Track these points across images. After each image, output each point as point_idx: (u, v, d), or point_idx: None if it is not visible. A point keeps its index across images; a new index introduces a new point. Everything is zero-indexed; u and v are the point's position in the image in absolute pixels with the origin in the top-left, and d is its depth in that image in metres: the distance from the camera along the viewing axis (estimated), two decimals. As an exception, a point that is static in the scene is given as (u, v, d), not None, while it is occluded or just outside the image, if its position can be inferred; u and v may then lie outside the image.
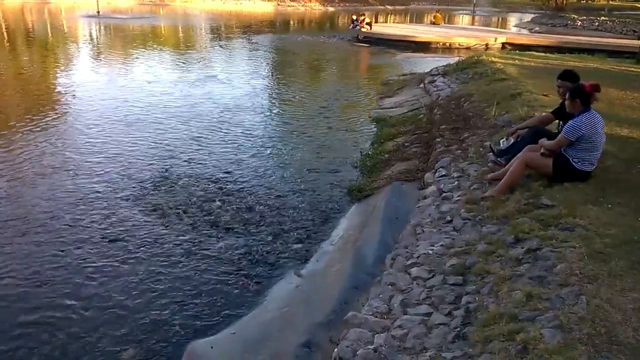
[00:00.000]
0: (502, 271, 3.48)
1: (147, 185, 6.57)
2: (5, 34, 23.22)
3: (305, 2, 53.69)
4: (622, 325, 2.68)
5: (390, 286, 3.87)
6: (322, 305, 4.20)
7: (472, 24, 40.98)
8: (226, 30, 28.84)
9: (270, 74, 15.87)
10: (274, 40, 24.41)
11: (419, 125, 8.75)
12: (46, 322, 4.02)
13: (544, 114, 5.90)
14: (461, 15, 51.40)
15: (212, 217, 5.79)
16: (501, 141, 5.67)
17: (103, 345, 3.80)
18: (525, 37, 24.96)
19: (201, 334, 3.95)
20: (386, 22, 39.01)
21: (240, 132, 9.07)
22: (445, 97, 9.89)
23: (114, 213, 5.81)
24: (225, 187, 6.61)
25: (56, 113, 9.94)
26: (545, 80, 8.81)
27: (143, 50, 19.23)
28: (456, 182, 5.56)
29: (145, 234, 5.39)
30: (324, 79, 15.71)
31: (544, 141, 4.86)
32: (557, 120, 5.44)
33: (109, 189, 6.45)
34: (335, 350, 3.26)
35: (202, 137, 8.69)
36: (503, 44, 22.34)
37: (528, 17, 49.32)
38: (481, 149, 6.19)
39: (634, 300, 2.87)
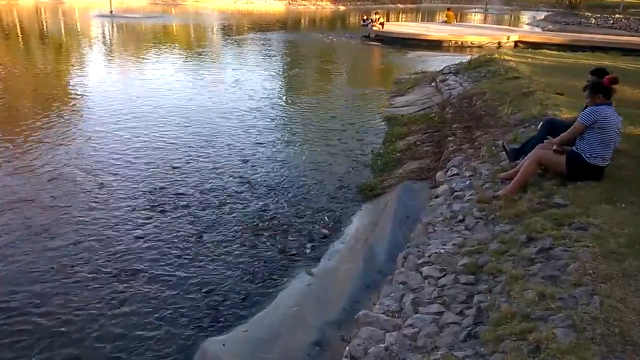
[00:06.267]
0: (515, 270, 3.46)
1: (162, 185, 6.61)
2: (20, 34, 23.49)
3: (317, 1, 53.72)
4: (636, 325, 2.65)
5: (401, 285, 3.87)
6: (334, 303, 4.22)
7: (485, 22, 40.74)
8: (238, 29, 28.93)
9: (282, 72, 15.88)
10: (286, 39, 24.49)
11: (431, 124, 8.73)
12: (60, 318, 4.08)
13: None
14: (473, 14, 51.13)
15: (224, 216, 5.84)
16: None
17: (117, 342, 3.85)
18: (538, 35, 24.75)
19: (214, 332, 3.98)
20: (397, 20, 38.86)
21: (252, 130, 9.10)
22: (457, 96, 9.85)
23: (125, 213, 5.86)
24: (238, 186, 6.65)
25: (71, 112, 10.02)
26: (558, 79, 8.76)
27: (156, 49, 19.33)
28: (468, 181, 5.54)
29: (159, 233, 5.44)
30: (336, 77, 15.69)
31: (552, 139, 4.86)
32: None
33: (123, 189, 6.50)
34: (347, 348, 3.27)
35: (215, 136, 8.73)
36: (515, 42, 22.15)
37: (541, 15, 48.91)
38: (493, 148, 6.16)
39: (649, 300, 2.84)
